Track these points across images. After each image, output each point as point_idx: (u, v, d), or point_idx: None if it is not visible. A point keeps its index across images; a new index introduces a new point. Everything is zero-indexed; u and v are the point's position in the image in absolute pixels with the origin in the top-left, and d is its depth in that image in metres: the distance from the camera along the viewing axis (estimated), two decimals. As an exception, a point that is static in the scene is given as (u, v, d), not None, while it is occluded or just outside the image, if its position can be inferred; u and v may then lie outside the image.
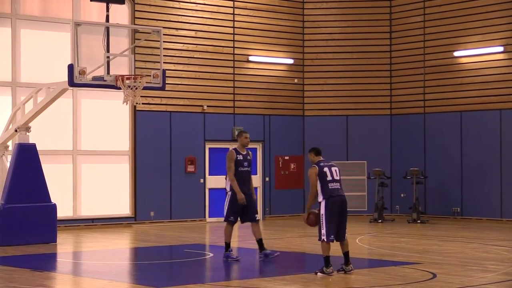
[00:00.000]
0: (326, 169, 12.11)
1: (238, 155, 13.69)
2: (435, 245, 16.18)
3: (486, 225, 21.12)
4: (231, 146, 22.76)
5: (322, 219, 11.99)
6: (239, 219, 13.91)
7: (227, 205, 13.76)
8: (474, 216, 22.37)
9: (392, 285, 11.10)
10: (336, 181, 12.11)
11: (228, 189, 13.79)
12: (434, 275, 11.80)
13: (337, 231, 12.05)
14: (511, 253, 14.89)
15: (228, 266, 13.46)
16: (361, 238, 17.54)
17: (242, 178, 13.67)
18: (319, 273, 11.92)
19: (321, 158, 12.32)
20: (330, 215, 11.95)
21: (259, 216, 23.36)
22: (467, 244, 16.48)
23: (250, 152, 14.00)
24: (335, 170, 12.17)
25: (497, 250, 15.34)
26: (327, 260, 11.93)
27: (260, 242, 13.86)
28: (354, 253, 13.20)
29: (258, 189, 23.54)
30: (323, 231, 11.96)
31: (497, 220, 21.84)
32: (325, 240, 11.92)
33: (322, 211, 11.99)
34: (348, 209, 12.28)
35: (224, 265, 13.54)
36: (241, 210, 13.70)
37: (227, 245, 13.78)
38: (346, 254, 12.13)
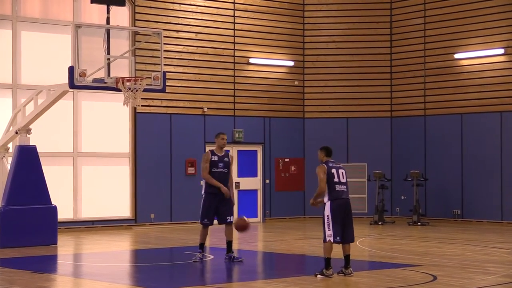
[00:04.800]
0: (334, 170, 12.12)
1: (213, 156, 13.85)
2: (436, 247, 16.17)
3: (487, 227, 21.12)
4: (231, 148, 22.86)
5: (328, 221, 11.99)
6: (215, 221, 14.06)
7: (201, 208, 13.95)
8: (474, 218, 22.36)
9: (393, 287, 11.10)
10: (343, 183, 12.12)
11: (202, 191, 13.96)
12: (435, 277, 11.80)
13: (344, 234, 12.05)
14: (511, 255, 14.88)
15: (229, 268, 13.45)
16: (362, 240, 17.54)
17: (217, 179, 13.78)
18: (319, 275, 11.92)
19: (330, 159, 12.32)
20: (335, 216, 11.96)
21: (259, 218, 23.40)
22: (467, 246, 16.48)
23: (230, 154, 14.13)
24: (342, 173, 12.18)
25: (497, 252, 15.33)
26: (327, 262, 11.93)
27: (229, 244, 13.96)
28: (354, 255, 13.20)
29: (258, 191, 23.56)
30: (330, 232, 11.95)
31: (498, 222, 21.83)
32: (332, 240, 11.92)
33: (327, 212, 11.99)
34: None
35: (224, 267, 13.54)
36: (214, 212, 13.86)
37: (201, 245, 13.98)
38: (347, 257, 12.12)
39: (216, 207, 13.84)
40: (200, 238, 14.00)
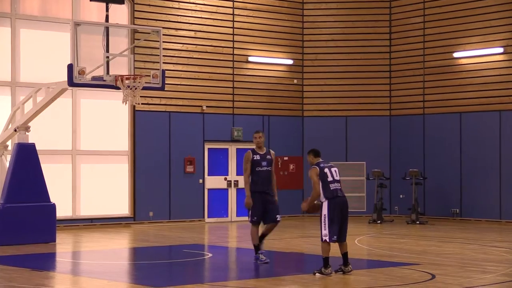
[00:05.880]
0: (326, 169, 12.14)
1: (255, 155, 13.42)
2: (434, 246, 16.18)
3: (485, 226, 21.13)
4: (230, 146, 22.87)
5: (324, 220, 11.99)
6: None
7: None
8: (473, 217, 22.37)
9: (391, 285, 11.11)
10: (337, 181, 12.14)
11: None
12: (433, 276, 11.81)
13: (339, 232, 12.07)
14: (510, 254, 14.89)
15: (227, 266, 13.46)
16: (360, 239, 17.55)
17: (261, 178, 13.38)
18: (317, 274, 11.92)
19: (320, 160, 12.35)
20: (333, 216, 11.96)
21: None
22: (466, 245, 16.49)
23: (272, 152, 13.67)
24: (335, 171, 12.21)
25: (496, 251, 15.34)
26: (326, 261, 11.93)
27: (261, 238, 13.58)
28: (353, 254, 13.21)
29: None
30: (326, 232, 11.95)
31: (496, 221, 21.84)
32: (328, 240, 11.92)
33: (325, 211, 11.98)
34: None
35: (223, 265, 13.54)
36: (262, 210, 13.35)
37: (256, 247, 13.45)
38: (345, 255, 12.14)
39: (263, 205, 13.33)
40: (252, 239, 13.39)
